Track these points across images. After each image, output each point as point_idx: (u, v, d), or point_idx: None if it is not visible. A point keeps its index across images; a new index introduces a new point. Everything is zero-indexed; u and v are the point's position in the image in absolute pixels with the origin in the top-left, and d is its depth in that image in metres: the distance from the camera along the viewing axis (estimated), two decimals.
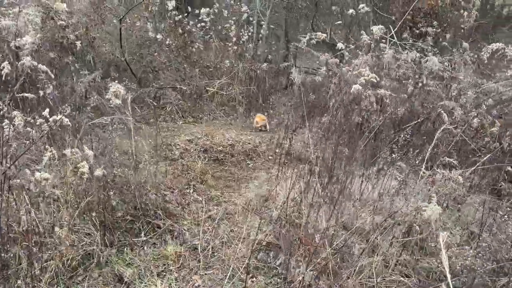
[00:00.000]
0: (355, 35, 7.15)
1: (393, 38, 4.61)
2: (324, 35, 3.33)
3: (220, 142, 4.83)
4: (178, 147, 4.63)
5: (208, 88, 6.49)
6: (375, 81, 2.64)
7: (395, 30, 3.65)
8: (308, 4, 9.60)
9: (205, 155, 4.52)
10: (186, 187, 3.65)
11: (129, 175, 2.65)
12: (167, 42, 6.94)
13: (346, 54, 3.71)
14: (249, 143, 5.00)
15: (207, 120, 6.16)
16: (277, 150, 4.81)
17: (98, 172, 2.15)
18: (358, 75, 2.67)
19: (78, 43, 4.03)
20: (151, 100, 6.24)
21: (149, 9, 6.94)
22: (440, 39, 6.04)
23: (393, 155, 2.65)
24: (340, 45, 3.31)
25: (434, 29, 4.58)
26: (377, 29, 3.15)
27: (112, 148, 2.68)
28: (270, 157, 4.68)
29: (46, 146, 1.99)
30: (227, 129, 5.61)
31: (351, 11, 4.35)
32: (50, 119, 1.93)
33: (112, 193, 2.42)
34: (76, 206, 2.34)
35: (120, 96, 1.94)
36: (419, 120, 3.73)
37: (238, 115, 6.40)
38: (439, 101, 3.35)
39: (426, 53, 4.18)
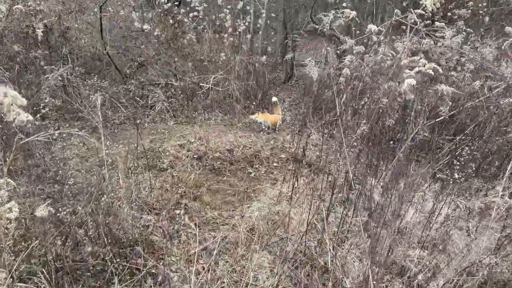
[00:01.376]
0: (357, 25, 6.49)
1: (416, 24, 3.94)
2: (354, 12, 2.66)
3: (216, 147, 4.15)
4: (167, 154, 3.94)
5: (202, 84, 5.79)
6: (433, 73, 1.98)
7: (426, 15, 2.96)
8: None
9: (199, 163, 3.84)
10: (176, 206, 2.99)
11: (89, 208, 1.98)
12: (155, 34, 6.19)
13: (375, 39, 3.03)
14: (250, 147, 4.32)
15: (201, 119, 5.46)
16: (282, 156, 4.15)
17: (41, 211, 1.49)
18: (409, 65, 2.00)
19: (39, 32, 3.31)
20: (138, 98, 5.57)
21: None
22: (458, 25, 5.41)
23: (455, 175, 1.99)
24: (371, 26, 2.62)
25: (470, 10, 3.92)
26: (430, 1, 2.44)
27: (66, 172, 2.00)
28: (275, 164, 4.01)
29: None
30: (223, 131, 4.92)
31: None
32: None
33: (60, 242, 1.75)
34: (14, 255, 1.67)
35: (10, 109, 1.22)
36: (451, 120, 3.07)
37: (236, 113, 5.69)
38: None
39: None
